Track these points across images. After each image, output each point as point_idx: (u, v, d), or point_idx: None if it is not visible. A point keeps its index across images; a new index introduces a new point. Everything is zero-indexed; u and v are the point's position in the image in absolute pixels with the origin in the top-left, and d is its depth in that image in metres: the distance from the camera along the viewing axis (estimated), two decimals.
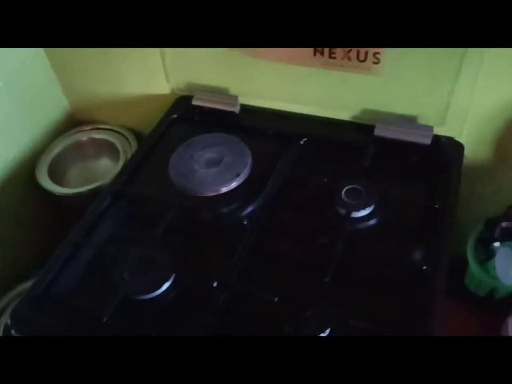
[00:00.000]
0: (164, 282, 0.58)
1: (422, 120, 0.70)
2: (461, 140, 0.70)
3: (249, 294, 0.56)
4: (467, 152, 0.71)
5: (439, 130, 0.70)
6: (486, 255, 0.75)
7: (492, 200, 0.75)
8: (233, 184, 0.69)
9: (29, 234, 0.96)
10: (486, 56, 0.61)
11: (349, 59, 0.67)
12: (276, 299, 0.54)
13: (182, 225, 0.66)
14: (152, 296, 0.57)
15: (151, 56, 0.83)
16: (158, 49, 0.81)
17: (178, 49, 0.79)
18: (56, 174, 0.93)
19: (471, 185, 0.77)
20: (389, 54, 0.65)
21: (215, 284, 0.57)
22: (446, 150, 0.69)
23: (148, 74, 0.88)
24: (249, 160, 0.72)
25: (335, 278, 0.56)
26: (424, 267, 0.55)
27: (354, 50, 0.66)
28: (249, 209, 0.65)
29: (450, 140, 0.70)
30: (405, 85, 0.68)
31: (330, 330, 0.52)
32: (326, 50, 0.67)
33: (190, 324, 0.54)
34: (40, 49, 0.92)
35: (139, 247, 0.62)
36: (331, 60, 0.68)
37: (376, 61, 0.66)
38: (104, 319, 0.54)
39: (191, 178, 0.70)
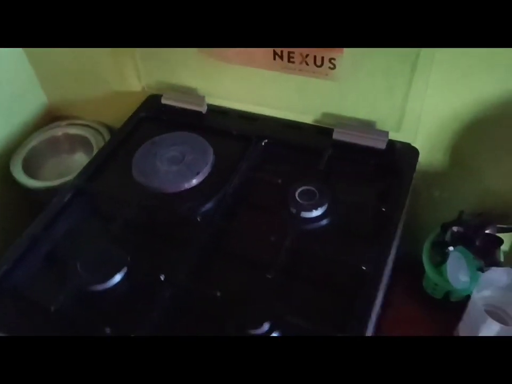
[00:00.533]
0: (114, 274, 0.60)
1: (379, 126, 0.72)
2: (416, 145, 0.72)
3: (194, 289, 0.58)
4: (422, 158, 0.73)
5: (396, 136, 0.72)
6: (441, 258, 0.76)
7: (449, 205, 0.76)
8: (193, 182, 0.71)
9: (0, 226, 0.98)
10: (437, 64, 0.63)
11: (307, 64, 0.69)
12: (219, 294, 0.56)
13: (140, 221, 0.68)
14: (102, 287, 0.59)
15: (124, 54, 0.85)
16: (131, 48, 0.83)
17: (150, 49, 0.81)
18: (31, 168, 0.95)
19: (428, 189, 0.79)
20: (344, 60, 0.66)
21: (162, 278, 0.58)
22: (400, 154, 0.71)
23: (122, 72, 0.90)
24: (210, 159, 0.73)
25: (278, 275, 0.57)
26: (364, 267, 0.57)
27: (311, 55, 0.67)
28: (206, 207, 0.67)
29: (405, 145, 0.72)
30: (361, 90, 0.70)
31: (269, 327, 0.54)
32: (285, 54, 0.69)
33: (135, 317, 0.55)
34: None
35: (95, 242, 0.65)
36: (290, 64, 0.70)
37: (332, 66, 0.68)
38: (53, 309, 0.56)
39: (153, 176, 0.72)
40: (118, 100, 0.94)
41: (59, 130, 1.01)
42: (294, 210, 0.65)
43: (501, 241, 0.74)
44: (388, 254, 0.59)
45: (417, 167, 0.73)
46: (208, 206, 0.67)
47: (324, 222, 0.65)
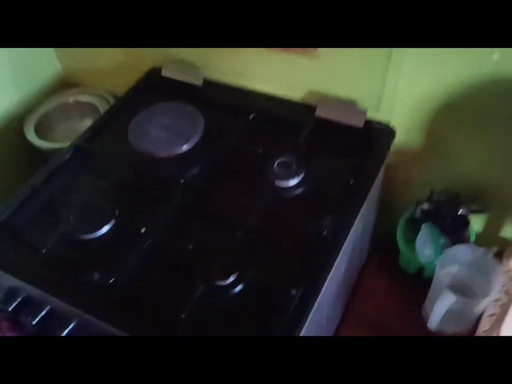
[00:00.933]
0: (103, 225, 0.66)
1: (360, 105, 0.76)
2: (393, 125, 0.76)
3: (169, 242, 0.65)
4: (399, 138, 0.76)
5: (376, 116, 0.76)
6: (414, 235, 0.80)
7: (425, 184, 0.80)
8: (183, 148, 0.77)
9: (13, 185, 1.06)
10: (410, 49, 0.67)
11: None
12: (191, 247, 0.62)
13: (130, 180, 0.75)
14: (92, 236, 0.66)
15: None
16: None
17: None
18: (42, 131, 1.02)
19: (404, 169, 0.83)
20: None
21: (142, 230, 0.65)
22: (376, 133, 0.75)
23: (130, 50, 0.96)
24: (200, 129, 0.79)
25: (246, 235, 0.63)
26: (325, 233, 0.62)
27: None
28: (190, 171, 0.73)
29: (381, 125, 0.76)
30: (342, 70, 0.74)
31: (234, 279, 0.59)
32: None
33: (117, 263, 0.62)
34: None
35: (88, 196, 0.72)
36: None
37: None
38: (44, 251, 0.63)
39: (146, 140, 0.78)
40: (125, 70, 0.99)
41: (70, 97, 1.08)
42: (270, 179, 0.70)
43: (468, 221, 0.77)
44: (350, 223, 0.64)
45: (394, 147, 0.77)
46: (193, 171, 0.73)
47: (297, 191, 0.70)
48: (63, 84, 1.13)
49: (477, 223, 0.83)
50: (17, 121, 1.04)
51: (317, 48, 0.72)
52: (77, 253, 0.66)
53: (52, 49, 1.08)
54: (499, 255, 0.78)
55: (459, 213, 0.78)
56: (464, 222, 0.78)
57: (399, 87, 0.72)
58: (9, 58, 1.00)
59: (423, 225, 0.78)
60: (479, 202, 0.79)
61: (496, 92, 0.66)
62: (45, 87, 1.10)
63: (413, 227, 0.81)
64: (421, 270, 0.82)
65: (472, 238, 0.80)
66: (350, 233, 0.64)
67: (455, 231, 0.78)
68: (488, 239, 0.82)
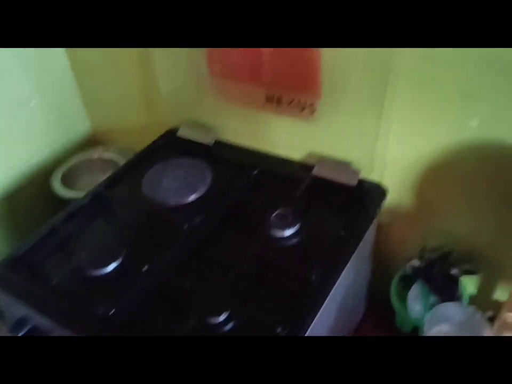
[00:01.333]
0: (110, 263, 0.72)
1: (354, 165, 0.83)
2: (386, 185, 0.81)
3: (168, 279, 0.70)
4: (392, 197, 0.82)
5: (369, 176, 0.82)
6: (408, 293, 0.83)
7: (418, 243, 0.84)
8: (190, 198, 0.84)
9: None
10: (399, 112, 0.74)
11: (292, 107, 0.82)
12: (188, 285, 0.67)
13: (139, 224, 0.81)
14: (99, 272, 0.72)
15: (155, 92, 1.02)
16: (158, 87, 0.99)
17: (174, 89, 0.97)
18: (67, 183, 1.12)
19: (399, 228, 0.88)
20: (321, 106, 0.79)
21: (145, 268, 0.70)
22: (369, 191, 0.81)
23: (153, 107, 1.07)
24: (208, 181, 0.87)
25: (240, 278, 0.68)
26: (313, 280, 0.66)
27: (296, 100, 0.81)
28: (195, 219, 0.79)
29: (374, 184, 0.82)
30: (338, 133, 0.81)
31: (226, 317, 0.63)
32: (275, 98, 0.82)
33: (119, 297, 0.67)
34: (71, 74, 1.14)
35: (101, 235, 0.79)
36: (279, 107, 0.83)
37: (312, 110, 0.80)
38: (54, 282, 0.69)
39: (158, 190, 0.86)
40: (146, 130, 1.10)
41: (95, 154, 1.19)
42: (267, 228, 0.76)
43: (458, 281, 0.80)
44: (339, 272, 0.68)
45: (387, 206, 0.83)
46: (197, 218, 0.79)
47: (291, 240, 0.75)
48: (90, 141, 1.24)
49: (471, 285, 0.85)
50: (45, 173, 1.14)
51: (315, 113, 0.80)
52: (84, 287, 0.71)
53: (84, 108, 1.20)
54: (493, 319, 0.79)
55: (451, 272, 0.81)
56: (455, 281, 0.80)
57: (389, 151, 0.78)
58: (43, 116, 1.12)
59: (415, 283, 0.81)
60: (471, 263, 0.82)
61: (477, 156, 0.72)
62: (74, 144, 1.22)
63: (406, 285, 0.84)
64: (415, 329, 0.84)
65: (466, 300, 0.82)
66: (338, 281, 0.68)
67: (445, 290, 0.80)
68: (482, 302, 0.83)
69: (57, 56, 1.10)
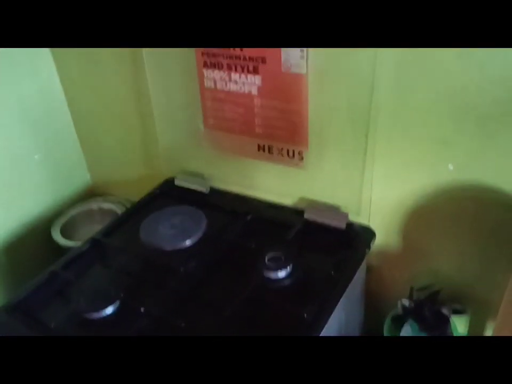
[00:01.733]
0: (108, 306, 0.74)
1: (342, 209, 0.87)
2: (373, 227, 0.85)
3: (164, 320, 0.72)
4: (380, 239, 0.86)
5: (357, 219, 0.86)
6: (400, 333, 0.85)
7: (409, 283, 0.86)
8: (186, 244, 0.87)
9: None
10: (381, 158, 0.79)
11: (282, 155, 0.87)
12: (183, 325, 0.69)
13: (137, 268, 0.84)
14: (97, 316, 0.74)
15: (153, 146, 1.08)
16: (157, 141, 1.05)
17: (172, 142, 1.03)
18: (67, 233, 1.15)
19: (388, 269, 0.91)
20: (309, 154, 0.85)
21: (142, 310, 0.73)
22: (357, 233, 0.84)
23: (151, 160, 1.12)
24: (203, 227, 0.90)
25: (234, 316, 0.70)
26: (305, 316, 0.69)
27: (285, 149, 0.86)
28: (191, 262, 0.82)
29: (362, 226, 0.85)
30: (325, 179, 0.86)
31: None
32: (266, 147, 0.88)
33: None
34: (73, 129, 1.21)
35: (99, 280, 0.81)
36: (270, 155, 0.89)
37: (300, 158, 0.85)
38: (53, 325, 0.71)
39: (154, 236, 0.89)
40: (145, 181, 1.15)
41: (95, 205, 1.23)
42: (261, 270, 0.79)
43: (448, 320, 0.82)
44: (330, 309, 0.71)
45: (376, 248, 0.86)
46: (192, 261, 0.82)
47: (284, 281, 0.78)
48: (90, 192, 1.29)
49: (461, 324, 0.87)
50: (45, 224, 1.17)
51: (304, 160, 0.85)
52: (83, 330, 0.73)
53: (84, 160, 1.26)
54: None
55: (441, 311, 0.83)
56: (445, 320, 0.82)
57: (374, 195, 0.83)
58: (46, 169, 1.17)
59: (406, 322, 0.83)
60: (460, 302, 0.84)
61: (456, 198, 0.77)
62: (74, 195, 1.26)
63: (398, 325, 0.86)
64: None
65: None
66: (330, 319, 0.70)
67: (436, 329, 0.82)
68: None
69: (60, 111, 1.17)
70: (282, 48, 0.76)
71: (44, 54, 1.09)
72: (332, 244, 0.84)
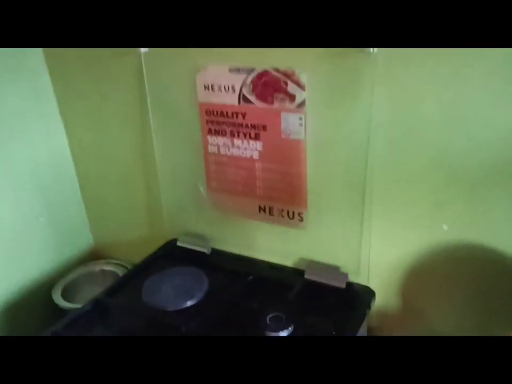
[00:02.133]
0: None
1: (342, 269, 0.89)
2: (372, 287, 0.87)
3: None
4: (379, 300, 0.87)
5: (357, 279, 0.88)
6: None
7: None
8: (188, 304, 0.88)
9: None
10: (379, 219, 0.83)
11: (282, 216, 0.90)
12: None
13: (139, 329, 0.84)
14: None
15: (156, 206, 1.11)
16: (161, 203, 1.09)
17: (175, 203, 1.06)
18: (68, 295, 1.16)
19: (389, 331, 0.91)
20: (309, 215, 0.88)
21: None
22: (357, 293, 0.86)
23: (152, 222, 1.15)
24: (205, 288, 0.92)
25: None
26: None
27: (285, 210, 0.90)
28: (193, 323, 0.83)
29: (361, 286, 0.87)
30: (325, 240, 0.89)
31: None
32: (267, 209, 0.91)
33: None
34: (79, 192, 1.24)
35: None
36: (271, 216, 0.92)
37: (300, 219, 0.89)
38: None
39: (157, 296, 0.90)
40: (148, 243, 1.17)
41: (97, 267, 1.24)
42: (263, 331, 0.79)
43: None
44: None
45: (376, 309, 0.87)
46: (194, 321, 0.83)
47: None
48: (92, 254, 1.30)
49: None
50: (47, 285, 1.18)
51: (303, 222, 0.89)
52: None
53: (88, 223, 1.28)
54: None
55: None
56: None
57: (372, 255, 0.85)
58: (50, 231, 1.20)
59: None
60: None
61: (452, 258, 0.79)
62: (76, 257, 1.28)
63: None
64: None
65: None
66: None
67: None
68: None
69: (68, 175, 1.21)
70: (282, 116, 0.82)
71: (55, 119, 1.15)
72: (332, 303, 0.85)
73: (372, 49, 0.70)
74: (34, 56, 1.08)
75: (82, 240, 1.29)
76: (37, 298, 1.17)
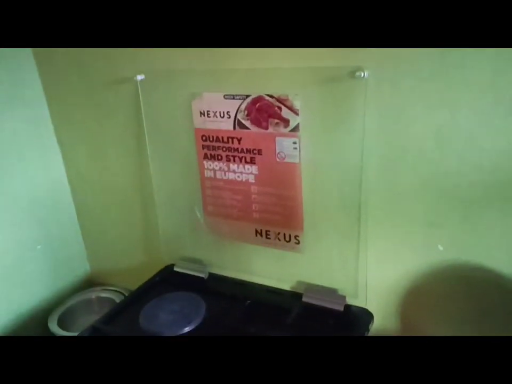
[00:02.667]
0: None
1: (340, 292, 0.89)
2: (371, 310, 0.86)
3: None
4: (378, 322, 0.86)
5: (355, 301, 0.88)
6: None
7: None
8: (185, 330, 0.88)
9: None
10: (374, 240, 0.83)
11: (279, 239, 0.91)
12: None
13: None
14: None
15: (152, 233, 1.11)
16: (158, 229, 1.09)
17: (172, 230, 1.06)
18: (65, 323, 1.14)
19: None
20: (305, 238, 0.88)
21: None
22: (355, 315, 0.86)
23: (150, 249, 1.15)
24: (202, 313, 0.91)
25: None
26: None
27: (282, 233, 0.90)
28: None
29: (360, 309, 0.87)
30: (322, 262, 0.89)
31: None
32: (264, 232, 0.92)
33: None
34: (76, 220, 1.24)
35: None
36: (267, 240, 0.92)
37: (297, 242, 0.89)
38: None
39: (154, 323, 0.89)
40: (144, 269, 1.17)
41: (93, 294, 1.23)
42: None
43: None
44: None
45: (375, 331, 0.87)
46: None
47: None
48: (89, 282, 1.30)
49: None
50: (43, 313, 1.17)
51: (300, 244, 0.89)
52: None
53: (85, 251, 1.28)
54: None
55: None
56: None
57: (369, 277, 0.85)
58: (46, 259, 1.19)
59: None
60: None
61: (448, 277, 0.79)
62: (73, 285, 1.27)
63: None
64: None
65: None
66: None
67: None
68: None
69: (65, 203, 1.22)
70: (276, 141, 0.83)
71: (52, 148, 1.16)
72: (331, 327, 0.85)
73: (362, 73, 0.72)
74: (33, 85, 1.10)
75: (79, 268, 1.29)
76: (33, 326, 1.16)
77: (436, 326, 0.84)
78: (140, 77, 0.94)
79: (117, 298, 1.19)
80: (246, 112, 0.85)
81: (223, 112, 0.87)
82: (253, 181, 0.90)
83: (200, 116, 0.90)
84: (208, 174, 0.94)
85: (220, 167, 0.92)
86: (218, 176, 0.93)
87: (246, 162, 0.89)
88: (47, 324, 1.13)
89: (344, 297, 0.88)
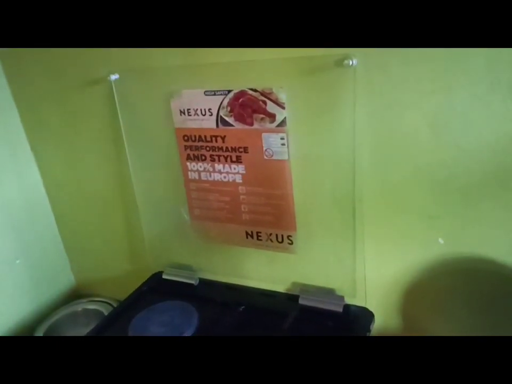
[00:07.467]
0: None
1: (338, 292, 0.85)
2: (371, 309, 0.83)
3: None
4: (378, 322, 0.83)
5: (354, 301, 0.84)
6: None
7: None
8: None
9: None
10: (371, 238, 0.79)
11: (271, 240, 0.86)
12: None
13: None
14: None
15: (137, 241, 1.06)
16: (142, 235, 1.04)
17: (158, 234, 1.01)
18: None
19: None
20: (298, 237, 0.84)
21: None
22: (355, 316, 0.82)
23: (135, 256, 1.10)
24: (195, 323, 0.86)
25: None
26: None
27: (274, 234, 0.86)
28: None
29: (359, 308, 0.83)
30: (317, 262, 0.85)
31: None
32: (254, 234, 0.87)
33: None
34: (56, 230, 1.19)
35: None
36: (259, 241, 0.88)
37: (290, 242, 0.85)
38: None
39: (144, 335, 0.84)
40: (131, 278, 1.12)
41: (79, 306, 1.18)
42: None
43: None
44: None
45: (376, 331, 0.83)
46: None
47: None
48: (75, 293, 1.24)
49: None
50: (28, 330, 1.11)
51: (293, 244, 0.85)
52: None
53: (68, 262, 1.22)
54: None
55: None
56: None
57: (367, 274, 0.82)
58: (28, 273, 1.13)
59: None
60: None
61: (449, 271, 0.76)
62: (58, 298, 1.21)
63: None
64: None
65: None
66: None
67: None
68: None
69: (43, 213, 1.16)
70: (263, 137, 0.79)
71: (26, 156, 1.10)
72: (330, 329, 0.81)
73: (351, 61, 0.67)
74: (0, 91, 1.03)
75: (63, 280, 1.23)
76: None
77: (438, 321, 0.80)
78: (113, 77, 0.88)
79: (105, 310, 1.13)
80: (228, 108, 0.80)
81: (205, 110, 0.82)
82: (241, 181, 0.85)
83: (180, 114, 0.85)
84: (192, 175, 0.89)
85: (205, 168, 0.87)
86: (203, 177, 0.88)
87: (231, 161, 0.84)
88: None
89: (342, 297, 0.84)
